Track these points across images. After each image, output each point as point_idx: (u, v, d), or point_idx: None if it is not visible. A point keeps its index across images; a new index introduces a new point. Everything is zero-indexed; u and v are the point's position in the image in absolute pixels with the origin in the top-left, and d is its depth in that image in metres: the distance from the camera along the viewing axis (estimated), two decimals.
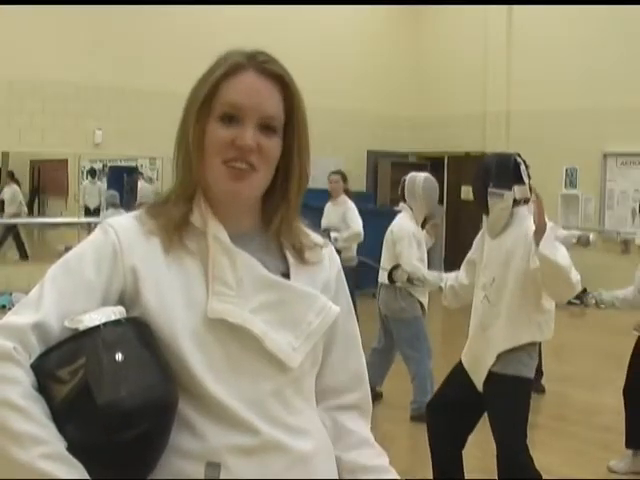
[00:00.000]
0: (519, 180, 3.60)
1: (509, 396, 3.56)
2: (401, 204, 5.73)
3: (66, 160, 10.85)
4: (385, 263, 5.76)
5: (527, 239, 3.46)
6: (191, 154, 1.37)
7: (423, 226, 5.75)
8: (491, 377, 3.58)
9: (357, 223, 7.67)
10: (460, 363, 3.77)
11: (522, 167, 3.63)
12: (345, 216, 7.77)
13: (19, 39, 9.42)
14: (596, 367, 8.48)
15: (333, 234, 7.29)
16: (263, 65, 1.37)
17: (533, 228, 3.40)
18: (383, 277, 5.77)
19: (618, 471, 4.76)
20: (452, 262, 7.42)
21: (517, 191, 3.57)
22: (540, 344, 3.77)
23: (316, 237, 1.50)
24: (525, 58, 12.67)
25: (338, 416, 1.51)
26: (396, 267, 5.31)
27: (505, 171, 3.60)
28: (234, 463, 1.30)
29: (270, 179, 1.40)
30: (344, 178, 8.20)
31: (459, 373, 3.75)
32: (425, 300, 5.67)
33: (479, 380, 3.62)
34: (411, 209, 5.62)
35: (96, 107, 10.14)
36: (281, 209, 1.43)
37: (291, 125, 1.40)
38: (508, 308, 3.56)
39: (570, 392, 6.97)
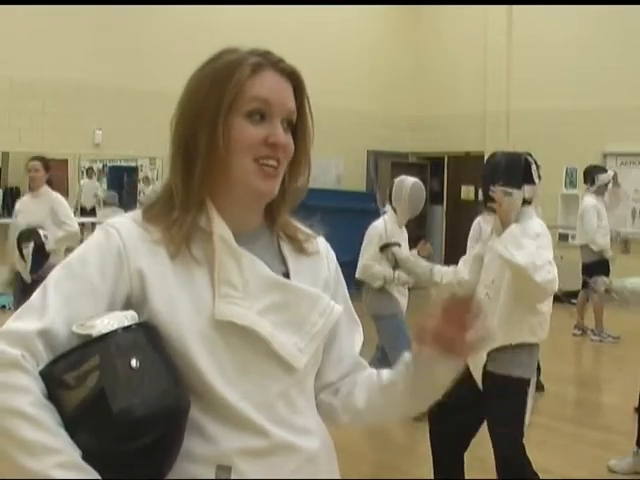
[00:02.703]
0: (529, 180, 3.60)
1: (503, 396, 3.55)
2: (387, 205, 5.80)
3: (66, 160, 10.84)
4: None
5: None
6: (212, 155, 1.33)
7: (415, 233, 5.84)
8: (486, 376, 3.58)
9: (74, 221, 6.53)
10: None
11: (533, 167, 3.63)
12: (56, 212, 6.42)
13: (19, 39, 9.41)
14: (596, 367, 8.49)
15: (42, 231, 6.30)
16: (278, 63, 1.39)
17: (531, 231, 3.42)
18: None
19: (618, 471, 4.76)
20: (452, 262, 7.41)
21: (527, 190, 3.57)
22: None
23: (306, 229, 1.50)
24: (525, 58, 12.66)
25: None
26: (396, 245, 5.37)
27: (515, 170, 3.59)
28: (244, 466, 1.30)
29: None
30: (46, 166, 6.58)
31: (462, 371, 3.74)
32: (405, 301, 5.74)
33: (479, 377, 3.62)
34: (395, 212, 5.70)
35: (96, 107, 10.13)
36: (285, 206, 1.44)
37: (301, 122, 1.41)
38: (502, 308, 3.56)
39: (570, 392, 6.97)
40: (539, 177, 3.65)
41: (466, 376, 3.69)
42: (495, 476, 3.63)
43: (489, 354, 3.53)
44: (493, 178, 3.62)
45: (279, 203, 1.43)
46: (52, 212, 6.41)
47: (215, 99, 1.33)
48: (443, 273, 4.02)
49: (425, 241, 5.99)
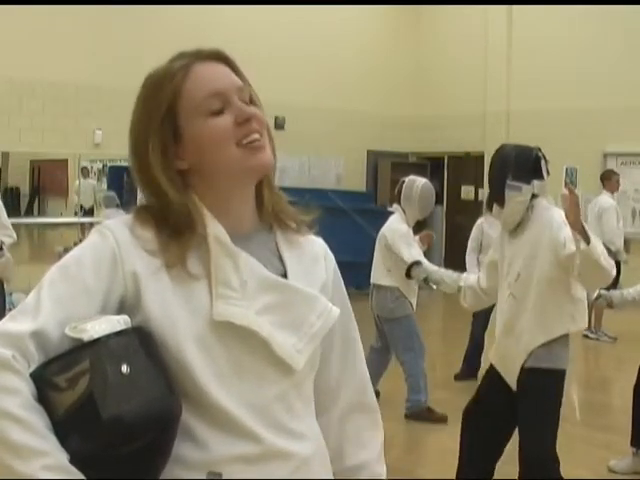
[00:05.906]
0: (539, 175, 3.50)
1: (542, 391, 3.40)
2: (395, 205, 5.74)
3: (66, 160, 10.85)
4: (377, 265, 5.77)
5: (552, 229, 3.36)
6: (201, 157, 1.33)
7: (416, 233, 5.77)
8: (524, 373, 3.44)
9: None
10: (492, 366, 3.63)
11: (542, 162, 3.53)
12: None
13: (19, 39, 9.42)
14: (596, 366, 8.49)
15: None
16: (202, 53, 1.42)
17: (559, 218, 3.33)
18: (375, 277, 5.78)
19: (618, 471, 4.75)
20: (452, 262, 7.43)
21: (536, 186, 3.47)
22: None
23: (300, 215, 1.48)
24: (525, 58, 12.66)
25: (346, 423, 1.52)
26: (417, 263, 5.31)
27: (525, 164, 3.48)
28: (236, 472, 1.28)
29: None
30: None
31: (493, 376, 3.62)
32: (414, 301, 5.71)
33: (512, 380, 3.49)
34: (404, 212, 5.64)
35: (96, 107, 10.13)
36: (264, 183, 1.42)
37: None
38: (536, 302, 3.42)
39: (571, 392, 6.97)
40: (548, 172, 3.54)
41: (497, 379, 3.56)
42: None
43: (530, 353, 3.42)
44: (502, 172, 3.49)
45: (263, 193, 1.42)
46: None
47: (156, 119, 1.40)
48: (466, 279, 3.98)
49: (427, 231, 5.98)
